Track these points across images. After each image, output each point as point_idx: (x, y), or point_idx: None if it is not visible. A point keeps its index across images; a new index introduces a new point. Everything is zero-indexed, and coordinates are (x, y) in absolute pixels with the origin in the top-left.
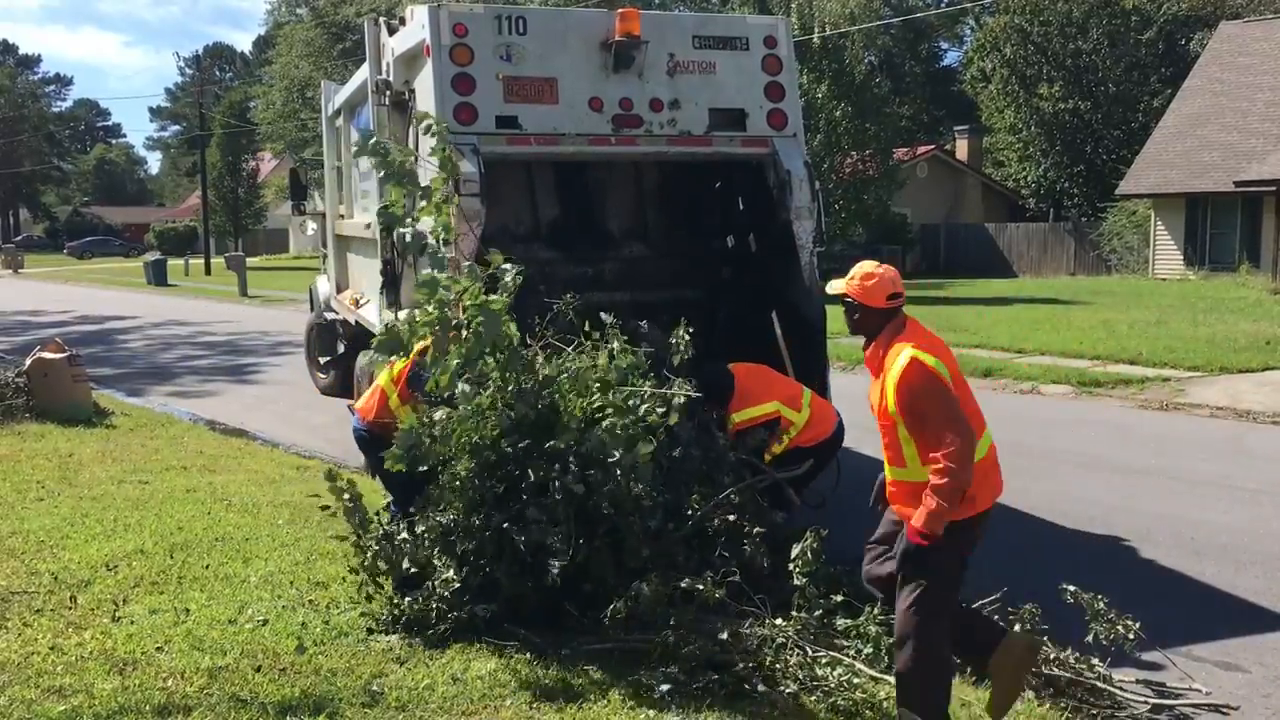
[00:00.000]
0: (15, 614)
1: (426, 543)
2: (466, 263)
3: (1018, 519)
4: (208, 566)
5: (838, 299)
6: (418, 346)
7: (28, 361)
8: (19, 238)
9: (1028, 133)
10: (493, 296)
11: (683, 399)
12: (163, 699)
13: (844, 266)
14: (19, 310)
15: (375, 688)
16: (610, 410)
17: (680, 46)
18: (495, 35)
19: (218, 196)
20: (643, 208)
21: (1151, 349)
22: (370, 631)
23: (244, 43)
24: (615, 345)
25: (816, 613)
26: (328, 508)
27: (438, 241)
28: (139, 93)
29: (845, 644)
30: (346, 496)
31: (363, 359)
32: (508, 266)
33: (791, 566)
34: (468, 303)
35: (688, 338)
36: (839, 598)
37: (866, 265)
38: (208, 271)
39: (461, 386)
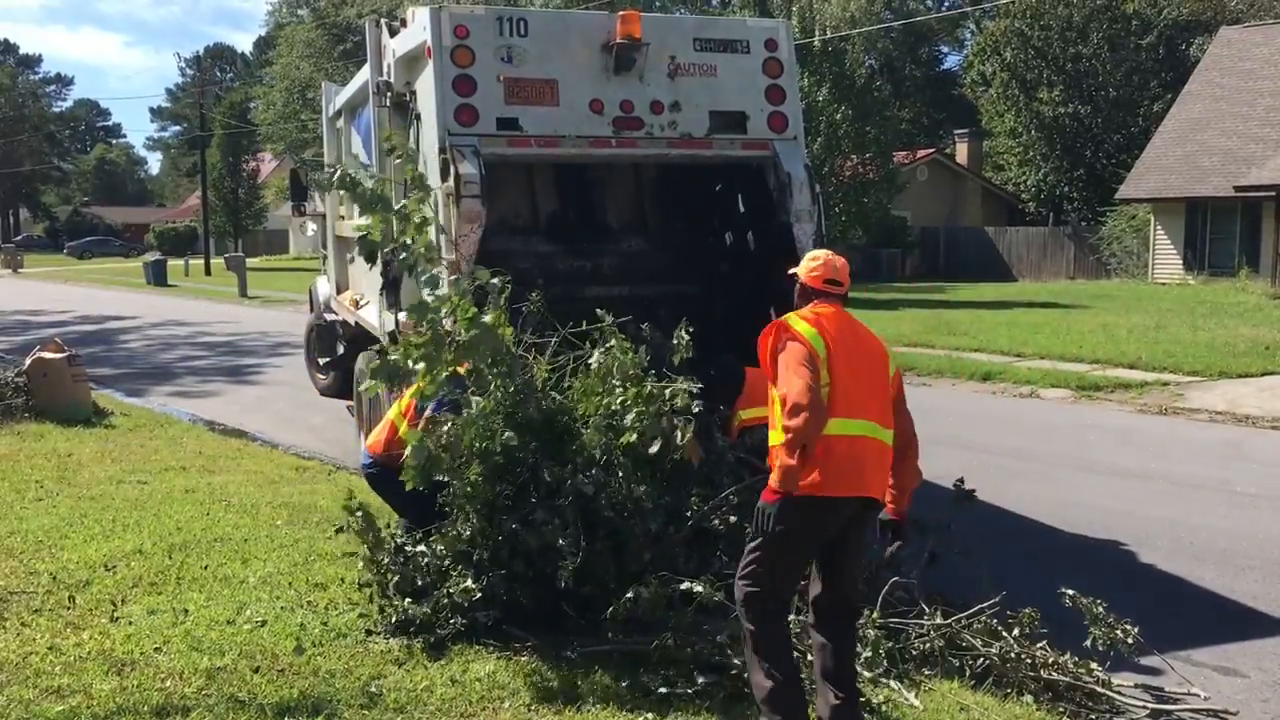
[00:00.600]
0: (14, 614)
1: (444, 555)
2: (466, 265)
3: (1017, 523)
4: (206, 567)
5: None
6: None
7: (27, 361)
8: (19, 237)
9: (1028, 137)
10: (485, 311)
11: (689, 395)
12: (161, 699)
13: None
14: (18, 310)
15: (374, 689)
16: (634, 401)
17: (681, 49)
18: (496, 37)
19: (218, 197)
20: (642, 202)
21: (1151, 353)
22: (369, 633)
23: (245, 43)
24: (615, 342)
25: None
26: (342, 529)
27: (421, 261)
28: (139, 93)
29: None
30: (360, 514)
31: (362, 360)
32: (496, 282)
33: None
34: (461, 319)
35: (688, 337)
36: None
37: (820, 251)
38: (208, 272)
39: (468, 396)
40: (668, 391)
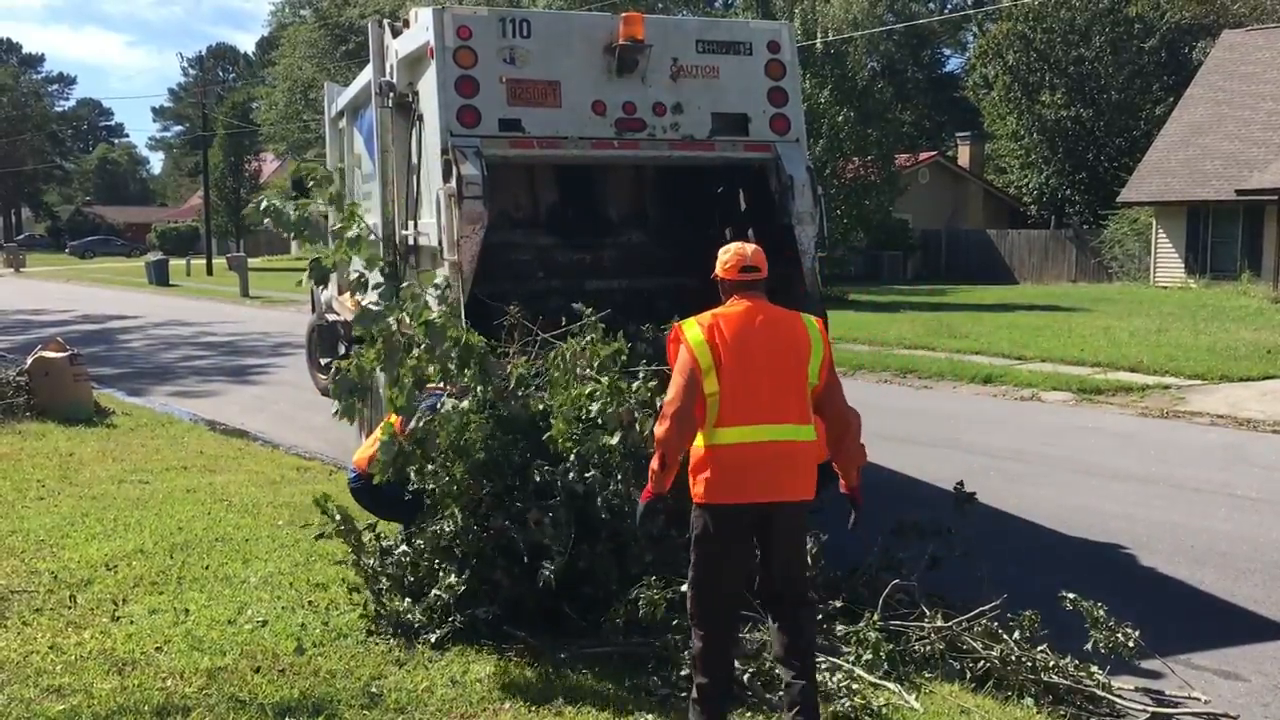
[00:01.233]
0: (15, 613)
1: (426, 552)
2: (468, 267)
3: (1017, 526)
4: (207, 567)
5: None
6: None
7: (29, 360)
8: (21, 237)
9: (1030, 139)
10: (434, 312)
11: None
12: (161, 699)
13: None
14: (20, 309)
15: (374, 689)
16: (602, 393)
17: (683, 51)
18: (499, 38)
19: (220, 197)
20: (643, 197)
21: (1152, 357)
22: (370, 633)
23: (247, 43)
24: (591, 335)
25: (816, 617)
26: (322, 536)
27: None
28: (141, 93)
29: (845, 649)
30: (338, 519)
31: None
32: (440, 281)
33: None
34: (414, 323)
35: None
36: (838, 603)
37: (730, 244)
38: (209, 272)
39: (446, 400)
40: (633, 385)
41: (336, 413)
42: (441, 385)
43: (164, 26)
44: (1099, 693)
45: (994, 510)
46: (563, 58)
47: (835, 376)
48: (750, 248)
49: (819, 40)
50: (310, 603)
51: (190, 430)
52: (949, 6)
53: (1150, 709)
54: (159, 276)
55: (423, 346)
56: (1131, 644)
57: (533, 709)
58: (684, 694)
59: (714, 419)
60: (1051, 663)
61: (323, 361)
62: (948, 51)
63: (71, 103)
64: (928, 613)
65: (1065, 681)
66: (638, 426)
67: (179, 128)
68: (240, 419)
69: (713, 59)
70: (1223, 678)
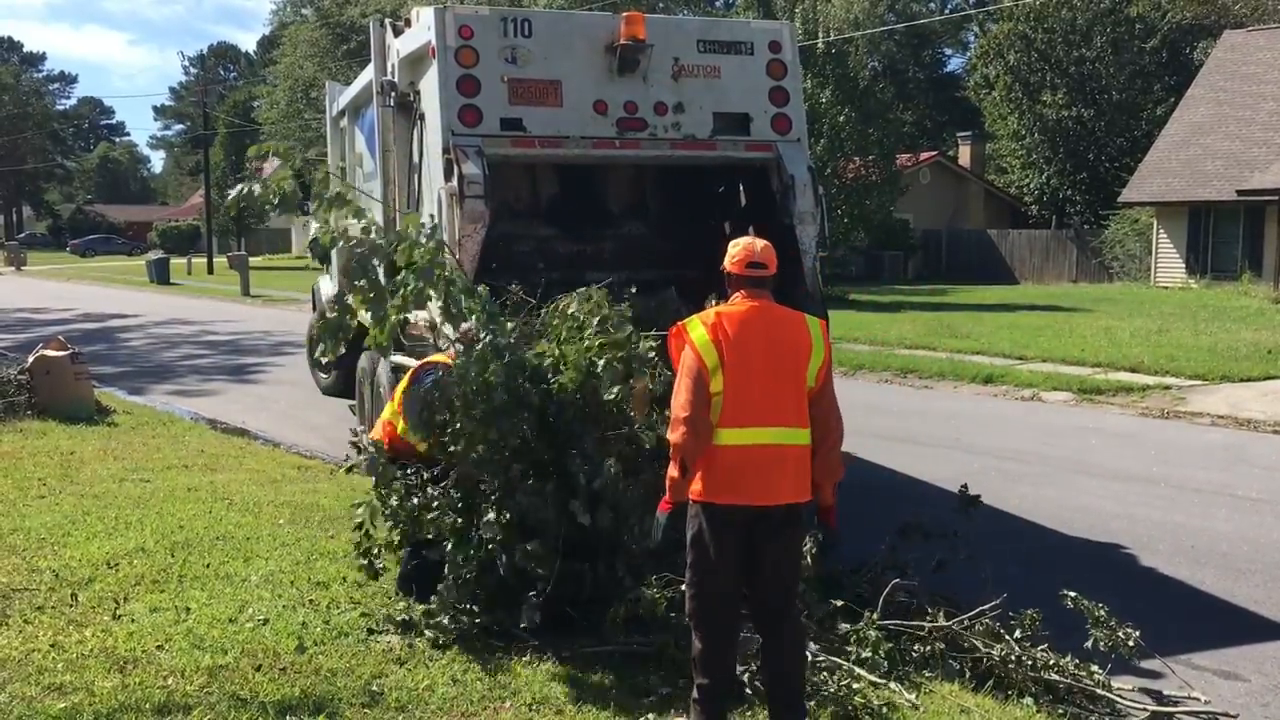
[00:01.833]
0: (16, 611)
1: (453, 499)
2: (469, 266)
3: (1018, 525)
4: (208, 565)
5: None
6: (410, 370)
7: (30, 359)
8: (22, 235)
9: (1031, 140)
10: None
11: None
12: (163, 697)
13: (846, 271)
14: (21, 308)
15: (375, 688)
16: (607, 349)
17: (685, 50)
18: (500, 38)
19: (221, 196)
20: (643, 190)
21: (1153, 357)
22: (371, 632)
23: (248, 42)
24: (596, 295)
25: (817, 617)
26: (353, 469)
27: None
28: (143, 91)
29: (846, 649)
30: (372, 450)
31: (364, 360)
32: (425, 223)
33: None
34: (402, 256)
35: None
36: (839, 602)
37: (741, 239)
38: (210, 271)
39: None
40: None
41: (321, 352)
42: (439, 360)
43: (165, 25)
44: (1099, 692)
45: (995, 510)
46: (564, 57)
47: (830, 382)
48: (760, 243)
49: (820, 40)
50: (311, 601)
51: (191, 429)
52: (950, 6)
53: (1150, 708)
54: (160, 275)
55: (409, 287)
56: (1132, 643)
57: (533, 708)
58: (689, 691)
59: (716, 419)
60: (1052, 662)
61: (324, 361)
62: (949, 51)
63: (73, 101)
64: (929, 612)
65: (1065, 681)
66: (643, 384)
67: (180, 126)
68: (241, 418)
69: (714, 59)
70: (1223, 678)
